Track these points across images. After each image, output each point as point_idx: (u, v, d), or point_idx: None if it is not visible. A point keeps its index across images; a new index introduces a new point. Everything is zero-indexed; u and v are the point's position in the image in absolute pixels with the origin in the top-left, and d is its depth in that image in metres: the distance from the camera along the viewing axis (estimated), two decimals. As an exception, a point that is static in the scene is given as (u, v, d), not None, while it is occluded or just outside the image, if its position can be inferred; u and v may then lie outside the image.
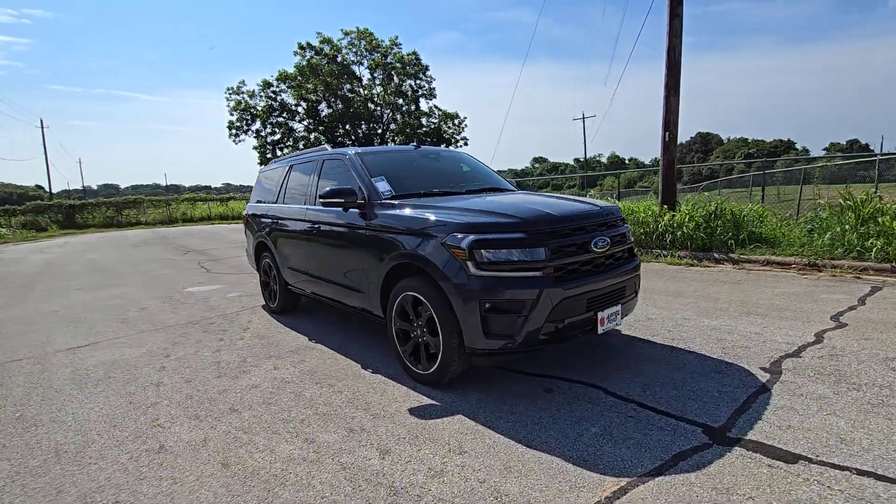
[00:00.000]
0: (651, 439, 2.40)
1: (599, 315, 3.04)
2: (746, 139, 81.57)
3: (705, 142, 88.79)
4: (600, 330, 3.05)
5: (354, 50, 35.09)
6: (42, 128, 46.56)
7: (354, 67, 35.49)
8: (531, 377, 3.28)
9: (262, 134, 34.81)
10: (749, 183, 19.43)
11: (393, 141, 37.86)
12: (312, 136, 36.90)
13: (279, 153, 36.69)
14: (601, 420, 2.63)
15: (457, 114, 39.27)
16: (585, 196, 10.01)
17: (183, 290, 7.49)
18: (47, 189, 49.01)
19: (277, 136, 35.21)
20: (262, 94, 34.05)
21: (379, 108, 37.58)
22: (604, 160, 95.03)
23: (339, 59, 33.86)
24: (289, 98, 34.91)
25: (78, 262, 12.29)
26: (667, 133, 8.78)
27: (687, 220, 8.18)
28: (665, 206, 8.92)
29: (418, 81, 37.32)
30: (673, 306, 5.02)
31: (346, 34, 34.78)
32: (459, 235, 2.88)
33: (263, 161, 36.50)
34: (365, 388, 3.28)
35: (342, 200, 3.68)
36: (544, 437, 2.49)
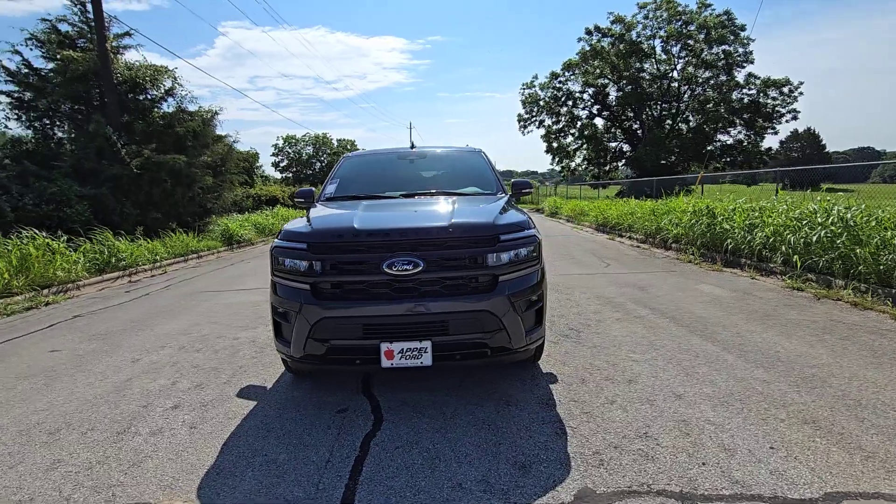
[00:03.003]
0: None
1: (385, 346, 2.65)
2: None
3: None
4: (385, 364, 2.66)
5: (650, 24, 31.97)
6: (410, 128, 65.41)
7: (649, 43, 32.38)
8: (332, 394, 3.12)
9: (547, 123, 36.49)
10: None
11: (686, 122, 32.98)
12: (597, 121, 36.20)
13: (563, 141, 37.74)
14: (314, 453, 2.44)
15: (786, 80, 30.69)
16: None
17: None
18: None
19: (561, 125, 36.20)
20: (549, 85, 35.55)
21: (675, 85, 33.24)
22: None
23: (629, 37, 31.61)
24: (575, 86, 35.21)
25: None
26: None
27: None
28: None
29: (730, 47, 30.88)
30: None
31: (642, 7, 31.99)
32: (277, 239, 3.07)
33: (550, 149, 38.39)
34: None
35: (303, 200, 4.26)
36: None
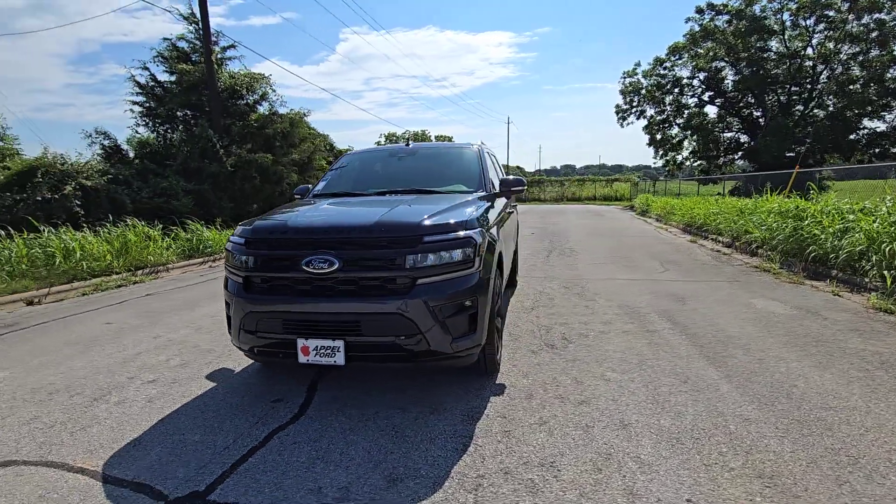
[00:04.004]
0: None
1: (301, 342, 2.70)
2: None
3: None
4: (302, 359, 2.70)
5: (778, -5, 27.77)
6: (508, 123, 67.83)
7: (777, 17, 28.21)
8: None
9: (649, 114, 33.69)
10: None
11: (823, 108, 28.20)
12: (708, 109, 32.55)
13: (668, 132, 34.65)
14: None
15: (966, 50, 24.78)
16: None
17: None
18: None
19: (665, 115, 33.17)
20: (653, 72, 32.72)
21: (809, 64, 28.58)
22: None
23: (749, 13, 27.83)
24: (683, 71, 31.97)
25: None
26: None
27: None
28: None
29: (886, 15, 25.69)
30: (686, 406, 2.89)
31: (768, -23, 27.90)
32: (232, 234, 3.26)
33: (652, 142, 35.54)
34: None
35: (300, 197, 4.47)
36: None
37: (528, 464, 2.26)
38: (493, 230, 3.40)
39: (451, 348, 2.73)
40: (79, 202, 9.87)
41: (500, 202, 4.35)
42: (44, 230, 7.97)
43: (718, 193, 21.38)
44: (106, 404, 3.06)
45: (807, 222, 6.95)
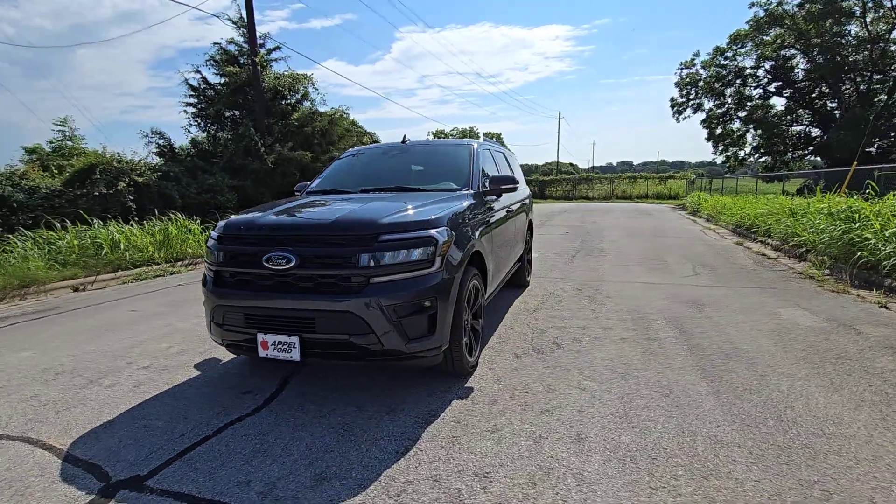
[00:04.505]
0: None
1: (261, 337, 2.76)
2: None
3: None
4: (262, 353, 2.76)
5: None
6: (559, 119, 67.49)
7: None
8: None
9: (707, 107, 31.71)
10: None
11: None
12: (774, 101, 30.19)
13: (730, 127, 32.52)
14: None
15: None
16: None
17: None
18: (577, 167, 66.42)
19: (725, 108, 31.10)
20: (712, 63, 30.74)
21: (895, 49, 25.75)
22: None
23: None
24: (746, 61, 29.79)
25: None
26: None
27: None
28: None
29: None
30: None
31: (848, -45, 25.35)
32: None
33: (711, 136, 33.53)
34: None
35: (299, 194, 4.56)
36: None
37: (462, 473, 2.18)
38: (470, 229, 3.31)
39: (407, 349, 2.69)
40: (132, 197, 10.66)
41: (498, 201, 4.25)
42: (94, 223, 8.68)
43: (786, 192, 19.66)
44: (98, 387, 3.28)
45: (857, 225, 6.26)
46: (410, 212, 2.93)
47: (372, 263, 2.63)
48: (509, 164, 5.71)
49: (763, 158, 31.87)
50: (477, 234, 3.46)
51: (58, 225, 8.35)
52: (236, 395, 3.09)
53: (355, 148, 4.99)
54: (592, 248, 9.72)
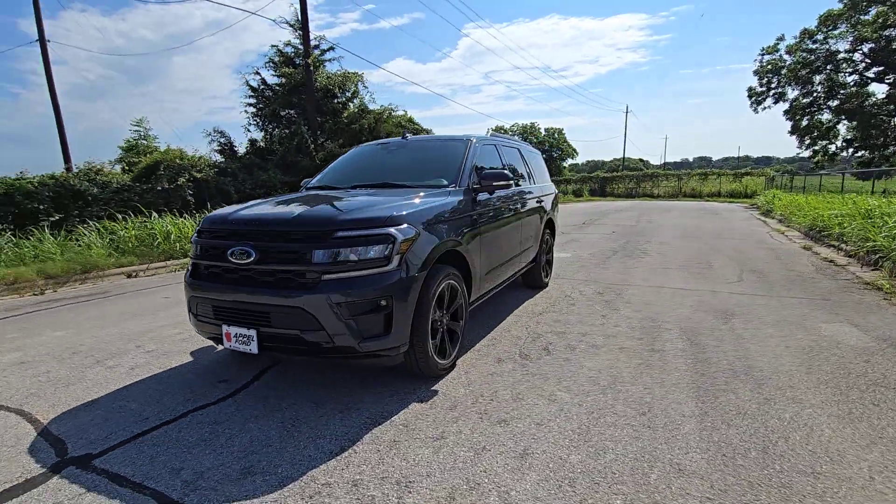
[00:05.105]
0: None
1: (225, 328, 2.84)
2: None
3: None
4: (226, 345, 2.84)
5: None
6: (626, 112, 65.16)
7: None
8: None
9: (791, 96, 28.80)
10: None
11: None
12: (873, 88, 26.79)
13: (818, 118, 29.39)
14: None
15: None
16: None
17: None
18: (653, 162, 63.91)
19: (812, 97, 28.08)
20: (799, 47, 27.83)
21: None
22: None
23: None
24: (840, 44, 26.66)
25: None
26: None
27: None
28: None
29: None
30: None
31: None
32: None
33: (796, 129, 30.51)
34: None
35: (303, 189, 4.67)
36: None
37: (385, 480, 2.11)
38: (448, 227, 3.22)
39: (361, 348, 2.66)
40: (191, 192, 11.51)
41: (496, 198, 4.10)
42: (151, 215, 9.46)
43: (886, 192, 17.26)
44: (101, 367, 3.55)
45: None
46: (372, 209, 2.88)
47: (326, 260, 2.62)
48: (525, 161, 5.49)
49: (859, 153, 28.45)
50: (458, 232, 3.34)
51: (119, 217, 9.19)
52: (213, 383, 3.21)
53: (363, 144, 5.02)
54: (634, 250, 9.15)
